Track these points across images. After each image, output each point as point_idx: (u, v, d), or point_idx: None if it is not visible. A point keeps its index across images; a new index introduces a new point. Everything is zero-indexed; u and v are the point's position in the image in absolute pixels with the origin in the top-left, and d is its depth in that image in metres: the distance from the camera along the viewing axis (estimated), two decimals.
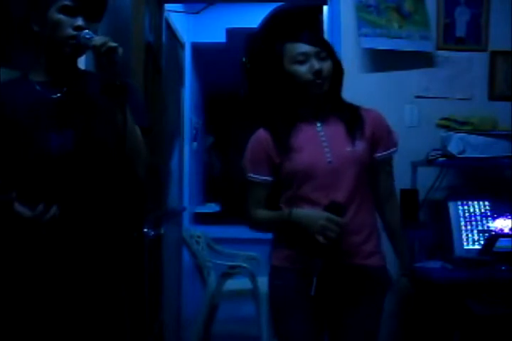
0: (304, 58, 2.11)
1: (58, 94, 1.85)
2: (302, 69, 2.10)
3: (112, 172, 1.84)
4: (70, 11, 1.77)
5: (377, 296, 2.20)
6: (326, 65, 2.11)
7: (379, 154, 2.21)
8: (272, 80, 2.19)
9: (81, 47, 1.78)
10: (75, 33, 1.76)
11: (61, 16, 1.77)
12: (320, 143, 2.14)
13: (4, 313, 1.80)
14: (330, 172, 2.11)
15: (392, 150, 2.24)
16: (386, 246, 2.27)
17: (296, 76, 2.12)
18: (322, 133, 2.16)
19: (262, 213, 2.21)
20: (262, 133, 2.21)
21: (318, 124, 2.17)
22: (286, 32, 2.22)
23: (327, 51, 2.13)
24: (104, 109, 1.81)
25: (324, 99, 2.17)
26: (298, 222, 2.08)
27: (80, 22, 1.77)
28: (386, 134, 2.23)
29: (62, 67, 1.87)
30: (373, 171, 2.22)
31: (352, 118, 2.17)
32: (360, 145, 2.15)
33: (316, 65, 2.09)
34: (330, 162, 2.11)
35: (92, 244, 1.82)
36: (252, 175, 2.20)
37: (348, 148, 2.13)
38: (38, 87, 1.86)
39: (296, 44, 2.13)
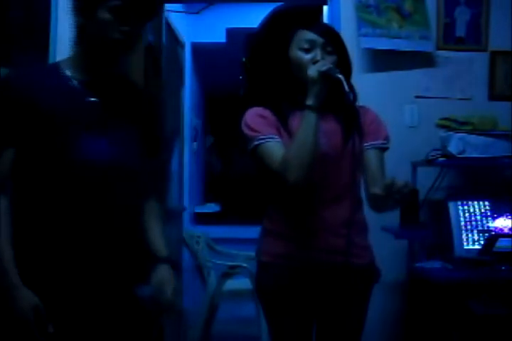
0: (309, 46, 2.10)
1: (95, 99, 1.81)
2: (306, 57, 2.09)
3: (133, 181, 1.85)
4: (119, 12, 1.73)
5: (366, 292, 2.20)
6: (330, 59, 2.09)
7: (367, 143, 2.13)
8: (274, 63, 2.18)
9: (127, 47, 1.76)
10: (121, 37, 1.73)
11: (110, 16, 1.73)
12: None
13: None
14: (324, 163, 2.06)
15: (380, 141, 2.16)
16: (385, 244, 2.27)
17: (296, 62, 2.11)
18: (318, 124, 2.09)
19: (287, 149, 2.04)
20: (261, 109, 2.14)
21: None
22: (288, 30, 2.21)
23: (334, 46, 2.12)
24: (132, 121, 1.84)
25: None
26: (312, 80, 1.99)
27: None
28: (375, 126, 2.18)
29: (103, 68, 1.82)
30: (364, 164, 2.14)
31: (349, 116, 2.12)
32: (356, 142, 2.09)
33: (319, 55, 2.08)
34: (325, 154, 2.07)
35: (112, 249, 1.81)
36: (271, 135, 2.06)
37: (343, 143, 2.10)
38: (75, 84, 1.81)
39: (305, 31, 2.12)
